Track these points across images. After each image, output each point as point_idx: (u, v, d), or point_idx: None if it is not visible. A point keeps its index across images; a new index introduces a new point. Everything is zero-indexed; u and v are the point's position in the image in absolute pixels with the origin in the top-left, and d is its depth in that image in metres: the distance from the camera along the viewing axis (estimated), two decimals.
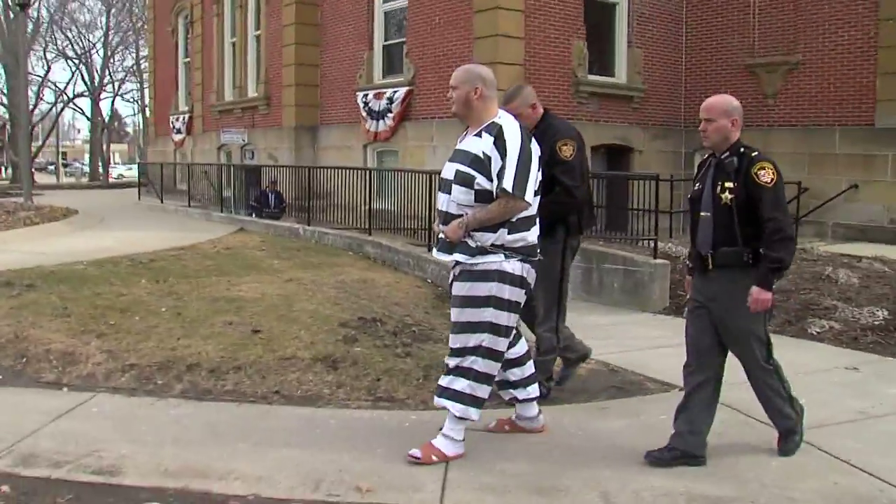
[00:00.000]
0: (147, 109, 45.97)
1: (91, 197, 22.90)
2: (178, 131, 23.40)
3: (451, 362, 3.98)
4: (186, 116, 23.01)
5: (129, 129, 63.62)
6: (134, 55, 45.59)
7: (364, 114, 15.61)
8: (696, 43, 16.09)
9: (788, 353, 6.99)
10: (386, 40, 15.85)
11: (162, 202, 19.16)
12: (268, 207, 15.22)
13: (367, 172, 13.85)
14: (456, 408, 3.95)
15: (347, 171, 14.14)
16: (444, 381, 4.01)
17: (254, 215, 15.08)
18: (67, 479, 3.82)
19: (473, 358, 3.92)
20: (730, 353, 4.13)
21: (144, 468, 3.96)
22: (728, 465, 4.07)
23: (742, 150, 3.91)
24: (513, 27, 13.19)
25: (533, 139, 4.02)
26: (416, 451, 3.98)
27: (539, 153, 4.01)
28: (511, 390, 4.33)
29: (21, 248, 11.59)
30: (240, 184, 17.80)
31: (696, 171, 4.24)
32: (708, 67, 15.90)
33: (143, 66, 46.22)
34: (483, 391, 3.98)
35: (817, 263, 10.32)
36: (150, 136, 27.22)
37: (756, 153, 3.89)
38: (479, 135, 3.91)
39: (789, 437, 4.15)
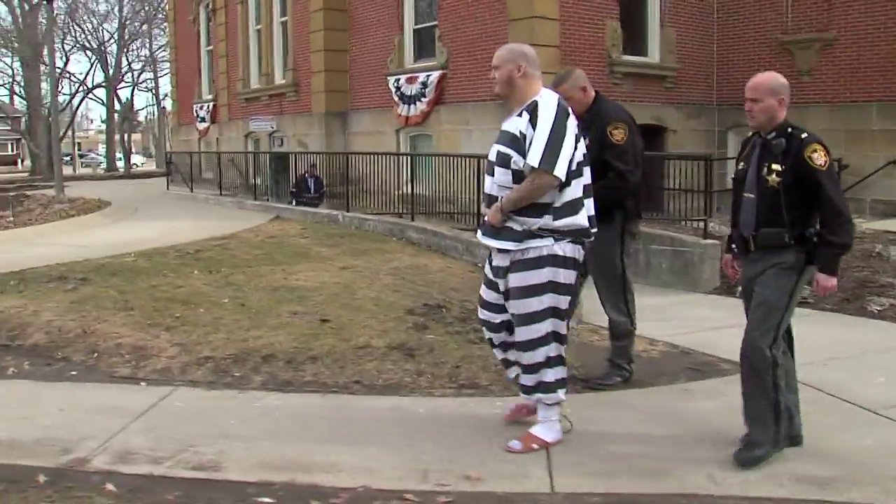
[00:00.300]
0: (162, 98, 46.35)
1: (117, 188, 22.87)
2: (203, 120, 23.38)
3: (525, 359, 3.96)
4: (210, 105, 22.98)
5: (141, 119, 63.52)
6: (148, 45, 45.67)
7: (396, 98, 15.53)
8: (728, 21, 15.90)
9: (855, 331, 7.00)
10: (416, 24, 15.73)
11: (192, 191, 19.16)
12: (308, 193, 15.17)
13: (406, 157, 13.83)
14: (549, 398, 3.98)
15: (383, 156, 14.09)
16: (527, 379, 4.00)
17: (293, 202, 15.01)
18: (169, 476, 3.79)
19: (546, 348, 3.90)
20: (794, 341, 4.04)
21: (245, 462, 3.93)
22: (824, 445, 4.03)
23: (790, 130, 3.74)
24: (548, 9, 13.07)
25: (573, 118, 3.90)
26: (515, 444, 3.98)
27: (576, 132, 3.88)
28: (516, 367, 4.22)
29: (62, 240, 11.64)
30: (271, 171, 17.81)
31: (740, 149, 4.08)
32: (740, 45, 15.71)
33: (157, 56, 46.47)
34: (563, 371, 4.00)
35: (864, 241, 10.26)
36: (173, 125, 27.21)
37: (806, 134, 3.70)
38: (520, 114, 3.86)
39: (753, 449, 3.79)
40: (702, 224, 9.84)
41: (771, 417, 3.78)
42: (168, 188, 20.52)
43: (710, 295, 8.87)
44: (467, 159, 11.15)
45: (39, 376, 5.41)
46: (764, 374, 3.76)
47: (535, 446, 3.95)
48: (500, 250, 3.91)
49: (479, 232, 4.07)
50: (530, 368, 3.97)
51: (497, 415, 4.54)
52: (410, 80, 15.18)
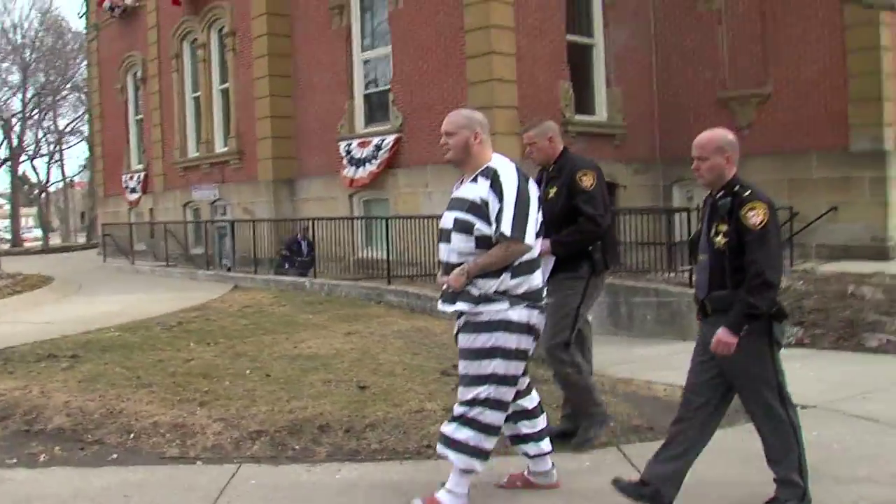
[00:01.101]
0: (79, 171, 44.87)
1: (47, 262, 21.84)
2: (133, 190, 22.73)
3: (458, 410, 3.87)
4: (142, 175, 22.38)
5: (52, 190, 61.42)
6: (52, 117, 44.44)
7: (345, 162, 15.47)
8: (667, 79, 16.57)
9: (861, 365, 7.24)
10: (367, 89, 15.80)
11: (133, 263, 18.51)
12: (300, 256, 14.83)
13: (361, 221, 13.78)
14: (461, 460, 3.82)
15: (339, 220, 14.06)
16: (447, 428, 3.89)
17: (286, 265, 14.67)
18: None
19: (480, 409, 3.80)
20: None
21: None
22: None
23: (737, 188, 3.67)
24: (507, 71, 13.36)
25: (530, 181, 3.93)
26: (416, 502, 3.91)
27: (538, 195, 3.95)
28: (522, 445, 4.17)
29: (21, 318, 11.04)
30: (217, 240, 17.44)
31: (701, 210, 4.01)
32: (680, 102, 16.35)
33: (66, 128, 45.21)
34: (489, 443, 3.85)
35: (830, 283, 10.68)
36: (99, 197, 26.28)
37: (749, 192, 3.63)
38: (474, 180, 3.85)
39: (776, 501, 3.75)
40: (672, 275, 10.11)
41: (796, 473, 3.71)
42: (105, 260, 19.75)
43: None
44: (430, 220, 11.23)
45: (77, 462, 5.06)
46: (789, 438, 3.70)
47: None
48: (459, 312, 3.88)
49: (439, 301, 4.01)
50: (454, 419, 3.87)
51: (585, 468, 4.48)
52: (363, 144, 15.18)
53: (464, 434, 3.80)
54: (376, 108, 15.66)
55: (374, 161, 14.78)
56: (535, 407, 4.16)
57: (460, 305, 3.83)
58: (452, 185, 4.12)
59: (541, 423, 4.16)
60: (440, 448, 3.93)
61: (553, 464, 4.26)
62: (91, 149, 35.63)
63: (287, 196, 17.07)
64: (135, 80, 23.04)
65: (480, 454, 3.82)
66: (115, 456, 5.14)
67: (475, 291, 3.79)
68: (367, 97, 15.79)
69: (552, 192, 4.87)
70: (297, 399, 5.88)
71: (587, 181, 4.78)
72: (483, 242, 3.78)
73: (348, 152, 15.41)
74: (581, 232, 4.76)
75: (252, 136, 17.48)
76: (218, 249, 18.20)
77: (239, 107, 17.81)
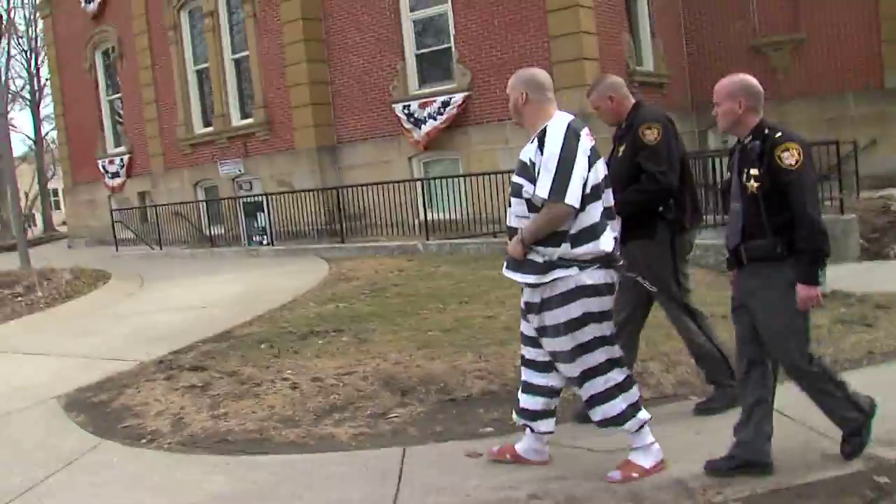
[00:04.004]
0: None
1: (50, 255, 20.02)
2: (115, 175, 21.33)
3: (585, 393, 3.76)
4: (125, 157, 21.03)
5: None
6: None
7: (408, 125, 15.09)
8: (697, 28, 16.99)
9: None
10: (419, 49, 15.39)
11: (161, 248, 17.46)
12: None
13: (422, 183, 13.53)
14: (628, 425, 3.75)
15: (398, 184, 13.74)
16: (596, 415, 3.78)
17: None
18: None
19: (605, 378, 3.71)
20: None
21: None
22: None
23: (767, 131, 3.53)
24: (589, 24, 13.35)
25: (586, 139, 3.68)
26: (614, 474, 3.77)
27: (589, 153, 3.66)
28: (526, 420, 4.02)
29: (143, 308, 10.26)
30: (243, 217, 16.70)
31: (728, 158, 3.89)
32: (711, 50, 16.80)
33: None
34: (633, 395, 3.76)
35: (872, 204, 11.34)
36: (66, 185, 24.49)
37: (780, 134, 3.50)
38: (532, 141, 3.72)
39: (851, 440, 3.69)
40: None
41: (849, 409, 3.64)
42: (117, 250, 18.48)
43: (862, 262, 9.46)
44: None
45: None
46: (825, 386, 3.63)
47: (635, 475, 3.72)
48: (527, 284, 3.73)
49: (504, 267, 3.86)
50: (593, 402, 3.76)
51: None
52: (424, 105, 14.83)
53: (612, 408, 3.72)
54: (432, 67, 15.30)
55: (439, 117, 14.49)
56: (560, 388, 4.01)
57: (528, 277, 3.67)
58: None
59: (553, 402, 4.01)
60: (607, 430, 3.84)
61: (547, 441, 4.13)
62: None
63: (330, 164, 16.48)
64: (106, 58, 21.54)
65: (636, 408, 3.74)
66: None
67: (539, 259, 3.64)
68: (419, 56, 15.38)
69: (621, 150, 4.55)
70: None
71: (651, 135, 4.38)
72: (532, 205, 3.66)
73: (409, 114, 15.02)
74: (641, 191, 4.37)
75: (282, 105, 16.74)
76: (245, 227, 17.42)
77: (265, 75, 16.98)
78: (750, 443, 3.62)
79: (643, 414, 3.76)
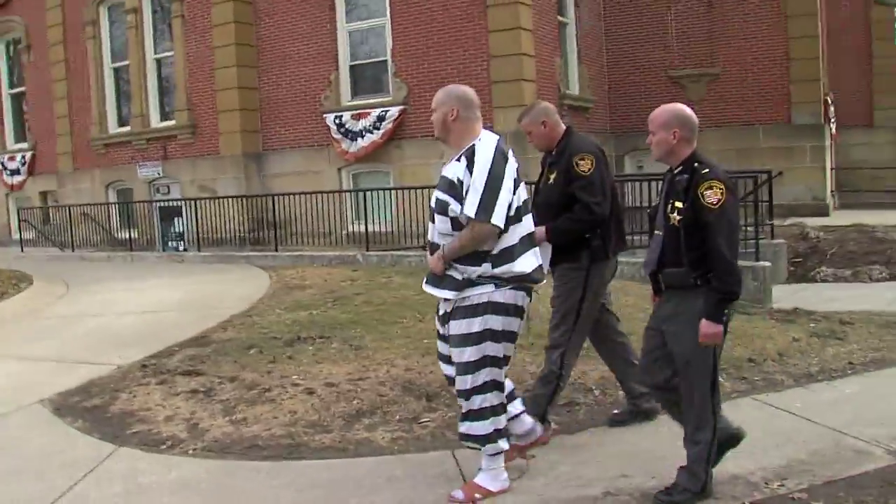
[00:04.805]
0: None
1: None
2: (15, 172, 20.26)
3: (464, 405, 3.89)
4: (27, 155, 20.01)
5: None
6: None
7: (338, 135, 15.10)
8: (618, 56, 17.80)
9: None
10: (353, 60, 15.44)
11: (73, 251, 16.70)
12: None
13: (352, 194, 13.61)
14: (487, 448, 3.89)
15: (326, 194, 13.77)
16: (463, 427, 3.92)
17: None
18: None
19: (483, 396, 3.82)
20: None
21: None
22: None
23: (696, 164, 3.59)
24: (529, 46, 13.79)
25: (512, 161, 3.82)
26: (457, 493, 3.91)
27: (515, 176, 3.80)
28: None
29: (82, 310, 9.89)
30: (158, 221, 16.25)
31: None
32: (630, 80, 17.63)
33: None
34: (502, 420, 3.90)
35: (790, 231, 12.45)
36: None
37: (707, 170, 3.53)
38: (458, 159, 3.79)
39: (676, 492, 3.71)
40: None
41: (702, 467, 3.70)
42: (23, 250, 17.52)
43: (791, 284, 10.25)
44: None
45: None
46: (704, 434, 3.68)
47: (478, 496, 3.87)
48: (445, 299, 3.87)
49: (423, 282, 3.99)
50: (466, 416, 3.89)
51: None
52: (359, 116, 14.89)
53: (480, 426, 3.84)
54: (366, 79, 15.38)
55: (375, 132, 14.60)
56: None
57: (446, 293, 3.80)
58: None
59: (507, 387, 4.10)
60: (466, 443, 3.98)
61: (534, 421, 4.31)
62: None
63: (256, 171, 16.26)
64: (9, 50, 20.47)
65: (500, 435, 3.88)
66: None
67: (458, 276, 3.76)
68: (353, 67, 15.43)
69: (552, 177, 4.62)
70: None
71: (584, 166, 4.46)
72: (457, 224, 3.73)
73: (340, 125, 15.03)
74: (574, 220, 4.47)
75: (208, 109, 16.39)
76: (160, 231, 16.93)
77: (192, 77, 16.59)
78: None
79: (503, 443, 3.89)
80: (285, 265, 12.76)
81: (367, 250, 12.77)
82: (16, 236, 20.07)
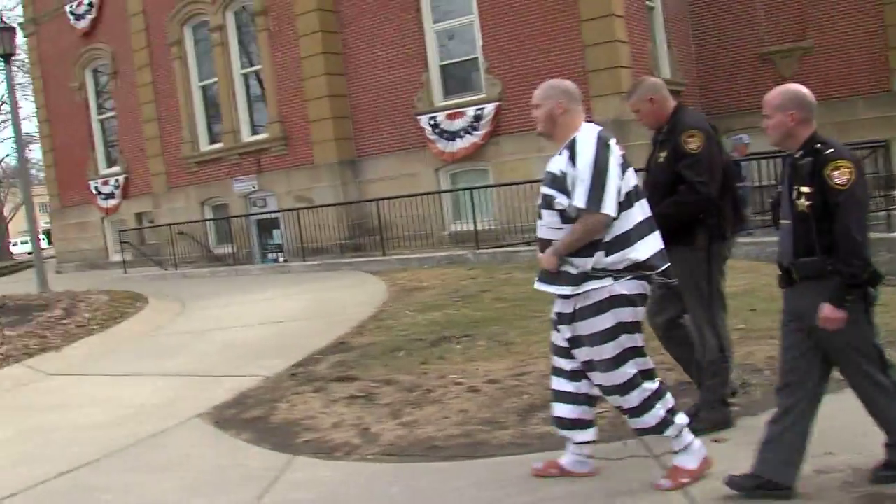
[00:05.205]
0: None
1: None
2: (109, 196, 20.77)
3: (623, 404, 3.73)
4: (120, 178, 20.50)
5: None
6: None
7: (432, 136, 15.04)
8: (706, 37, 17.33)
9: None
10: (443, 60, 15.37)
11: (176, 269, 17.03)
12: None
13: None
14: (668, 433, 3.73)
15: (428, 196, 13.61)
16: (635, 423, 3.78)
17: None
18: None
19: (640, 390, 3.68)
20: None
21: None
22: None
23: (818, 146, 3.34)
24: (622, 33, 13.51)
25: (616, 148, 3.67)
26: (664, 482, 3.73)
27: (621, 162, 3.65)
28: (570, 431, 3.96)
29: (207, 325, 9.99)
30: (256, 235, 16.45)
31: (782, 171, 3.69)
32: (720, 59, 17.15)
33: None
34: (667, 402, 3.72)
35: None
36: (53, 209, 23.71)
37: (832, 150, 3.30)
38: (561, 153, 3.70)
39: (890, 467, 3.49)
40: None
41: None
42: (126, 272, 17.95)
43: None
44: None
45: None
46: (891, 403, 3.44)
47: (684, 480, 3.68)
48: (560, 296, 3.74)
49: (535, 280, 3.86)
50: (631, 413, 3.74)
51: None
52: (453, 116, 14.81)
53: (650, 417, 3.69)
54: (457, 78, 15.30)
55: (475, 132, 14.49)
56: (589, 395, 3.93)
57: (563, 289, 3.67)
58: None
59: (588, 413, 3.96)
60: (645, 437, 3.87)
61: (591, 453, 4.06)
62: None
63: (351, 178, 16.31)
64: (96, 76, 21.00)
65: (673, 413, 3.72)
66: None
67: (573, 271, 3.63)
68: (443, 68, 15.36)
69: (662, 155, 4.39)
70: None
71: (692, 143, 4.23)
72: (567, 217, 3.63)
73: (435, 125, 14.98)
74: (679, 203, 4.26)
75: (299, 120, 16.52)
76: (258, 244, 17.15)
77: (280, 89, 16.75)
78: (784, 463, 3.49)
79: (680, 418, 3.74)
80: (394, 269, 12.75)
81: (478, 248, 12.63)
82: (113, 258, 20.66)
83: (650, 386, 3.69)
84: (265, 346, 8.18)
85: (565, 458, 4.02)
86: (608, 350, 3.64)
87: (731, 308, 4.88)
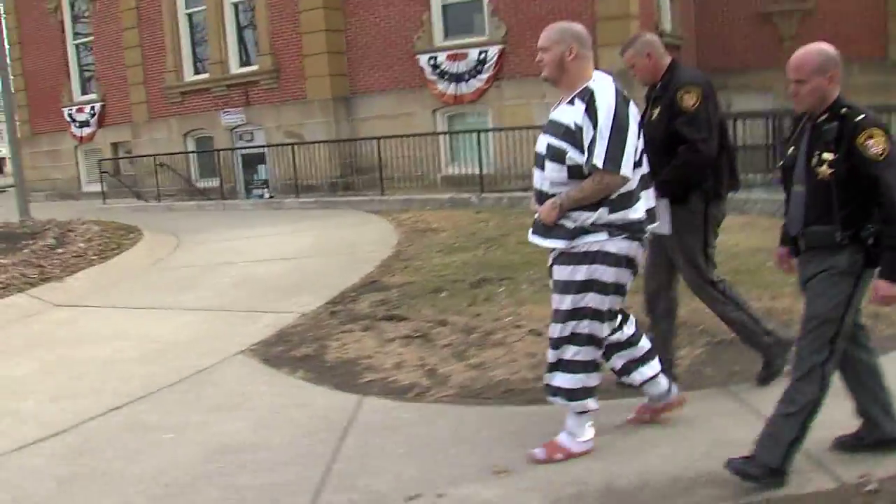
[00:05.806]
0: None
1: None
2: (84, 124, 20.05)
3: (553, 356, 3.66)
4: (96, 106, 19.78)
5: None
6: None
7: (433, 77, 14.76)
8: None
9: None
10: None
11: (159, 201, 16.58)
12: None
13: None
14: (573, 405, 3.67)
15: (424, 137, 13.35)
16: (550, 378, 3.71)
17: None
18: None
19: (576, 349, 3.58)
20: None
21: None
22: None
23: (844, 110, 3.10)
24: None
25: (631, 104, 3.54)
26: (538, 451, 3.71)
27: (638, 118, 3.57)
28: (626, 377, 3.93)
29: (222, 257, 9.76)
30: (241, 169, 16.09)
31: (791, 130, 3.47)
32: (720, 15, 17.05)
33: None
34: (594, 379, 3.66)
35: None
36: (23, 135, 22.78)
37: (862, 116, 3.06)
38: (571, 102, 3.53)
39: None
40: None
41: (884, 412, 3.39)
42: (105, 202, 17.42)
43: None
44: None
45: None
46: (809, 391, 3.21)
47: (559, 456, 3.67)
48: (551, 249, 3.64)
49: (529, 232, 3.74)
50: (554, 367, 3.67)
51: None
52: (455, 58, 14.52)
53: (566, 380, 3.63)
54: (459, 18, 14.97)
55: (479, 76, 14.24)
56: (633, 335, 3.85)
57: (555, 243, 3.55)
58: None
59: (639, 350, 3.86)
60: (551, 398, 3.75)
61: (671, 381, 3.98)
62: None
63: (344, 115, 15.96)
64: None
65: (589, 392, 3.65)
66: None
67: (570, 224, 3.50)
68: (446, 7, 15.01)
69: (656, 112, 4.24)
70: None
71: (689, 100, 4.07)
72: (576, 172, 3.47)
73: (435, 66, 14.69)
74: (682, 165, 4.12)
75: (292, 53, 16.06)
76: (243, 179, 16.77)
77: (274, 21, 16.22)
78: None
79: (591, 403, 3.66)
80: (394, 209, 12.57)
81: (482, 192, 12.51)
82: (86, 188, 20.03)
83: (588, 353, 3.59)
84: (286, 282, 8.01)
85: (647, 400, 3.97)
86: (569, 301, 3.53)
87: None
